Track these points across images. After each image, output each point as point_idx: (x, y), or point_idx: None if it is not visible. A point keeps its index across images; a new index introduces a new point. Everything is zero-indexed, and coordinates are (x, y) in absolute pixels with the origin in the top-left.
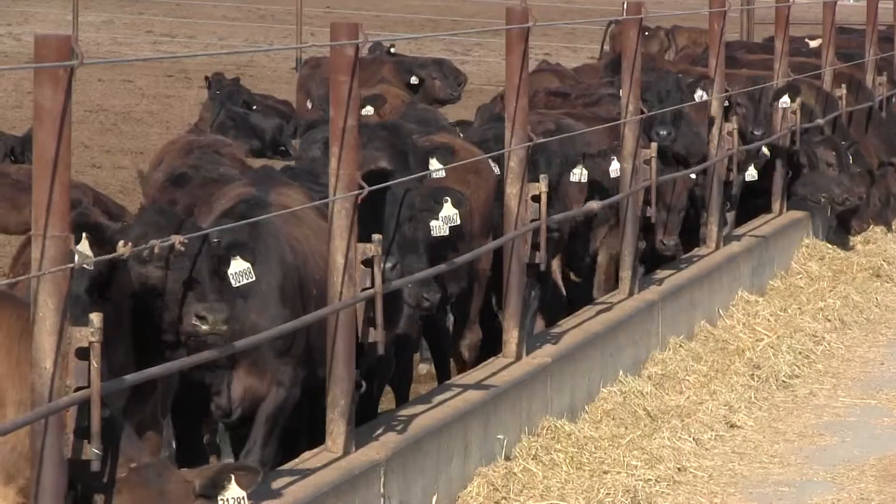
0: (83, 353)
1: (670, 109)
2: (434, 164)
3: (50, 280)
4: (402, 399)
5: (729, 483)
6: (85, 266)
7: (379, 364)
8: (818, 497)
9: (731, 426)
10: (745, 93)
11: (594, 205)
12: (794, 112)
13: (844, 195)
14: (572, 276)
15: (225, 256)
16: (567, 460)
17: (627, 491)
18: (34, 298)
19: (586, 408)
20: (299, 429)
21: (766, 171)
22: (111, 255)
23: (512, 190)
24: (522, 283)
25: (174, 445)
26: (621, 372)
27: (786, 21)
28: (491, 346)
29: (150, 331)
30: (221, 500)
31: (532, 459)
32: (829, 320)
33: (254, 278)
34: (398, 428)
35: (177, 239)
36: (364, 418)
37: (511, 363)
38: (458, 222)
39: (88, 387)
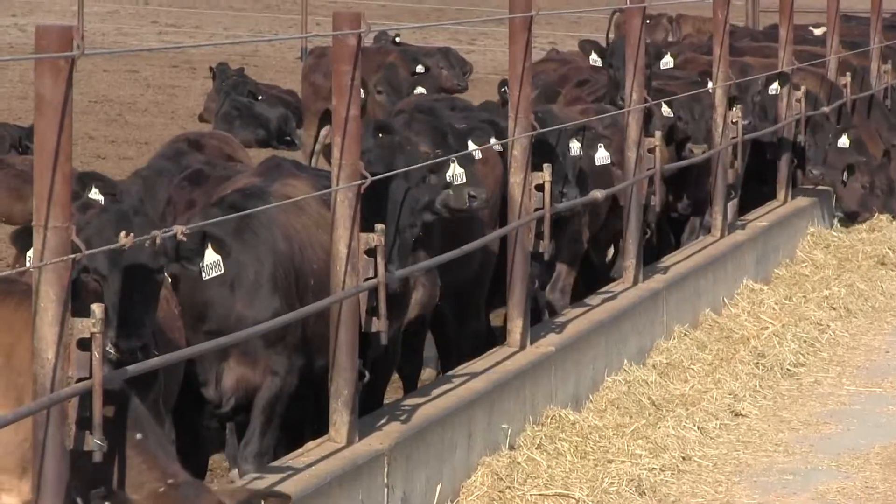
0: (85, 344)
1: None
2: (471, 145)
3: (52, 270)
4: (411, 386)
5: (734, 472)
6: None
7: (385, 353)
8: (823, 485)
9: (736, 415)
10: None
11: (598, 194)
12: (798, 100)
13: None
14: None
15: (197, 248)
16: (571, 449)
17: (632, 480)
18: (35, 289)
19: (591, 397)
20: (304, 419)
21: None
22: (112, 246)
23: (515, 179)
24: (526, 272)
25: (174, 437)
26: (626, 361)
27: (790, 9)
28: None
29: None
30: None
31: (536, 449)
32: (834, 308)
33: (223, 271)
34: (402, 418)
35: (179, 229)
36: (369, 408)
37: (515, 352)
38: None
39: (90, 377)
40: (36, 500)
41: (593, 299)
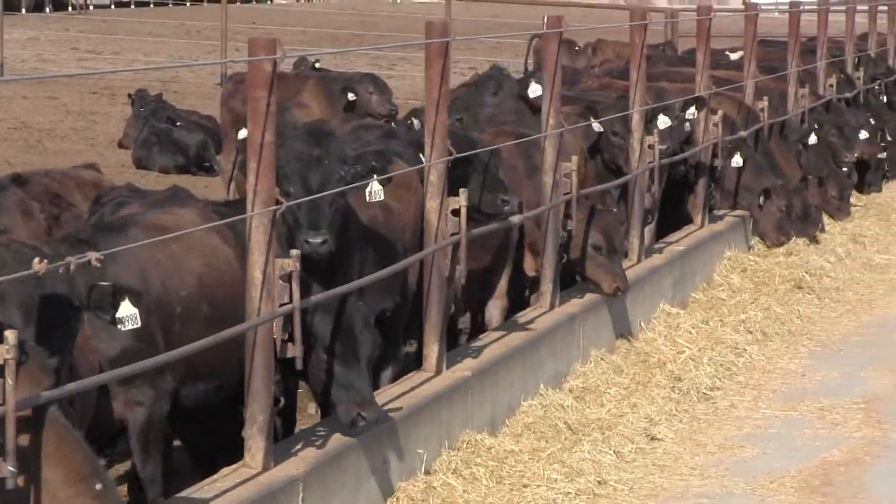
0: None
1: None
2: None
3: None
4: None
5: (649, 496)
6: None
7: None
8: None
9: (652, 439)
10: (653, 108)
11: (515, 219)
12: (715, 125)
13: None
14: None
15: (112, 300)
16: (487, 474)
17: None
18: None
19: (507, 421)
20: (217, 444)
21: (689, 182)
22: (26, 272)
23: (432, 204)
24: (443, 296)
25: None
26: (542, 385)
27: (707, 33)
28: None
29: None
30: None
31: (452, 473)
32: (751, 332)
33: (139, 324)
34: (318, 443)
35: (93, 256)
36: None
37: (431, 377)
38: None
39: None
40: None
41: (510, 324)
